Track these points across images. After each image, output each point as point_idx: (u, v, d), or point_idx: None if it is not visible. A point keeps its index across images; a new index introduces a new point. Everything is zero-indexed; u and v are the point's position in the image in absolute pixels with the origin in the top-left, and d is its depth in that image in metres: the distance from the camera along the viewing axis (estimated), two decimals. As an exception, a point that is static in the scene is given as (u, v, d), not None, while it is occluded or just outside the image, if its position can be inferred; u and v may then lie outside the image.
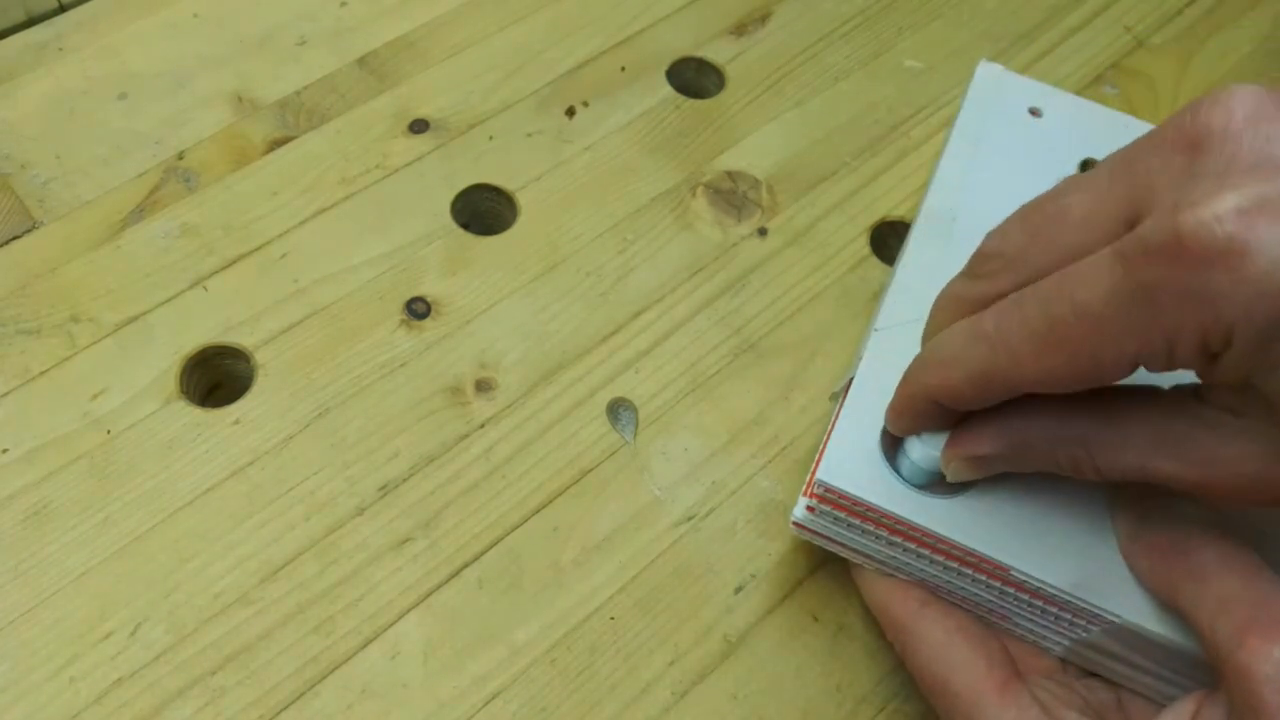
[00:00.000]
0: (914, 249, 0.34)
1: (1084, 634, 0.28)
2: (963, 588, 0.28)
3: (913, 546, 0.28)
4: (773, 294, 0.39)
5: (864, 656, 0.32)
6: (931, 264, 0.33)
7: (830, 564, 0.33)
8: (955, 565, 0.28)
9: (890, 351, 0.31)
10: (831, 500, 0.28)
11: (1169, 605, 0.26)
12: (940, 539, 0.27)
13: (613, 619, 0.32)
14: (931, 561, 0.28)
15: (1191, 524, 0.26)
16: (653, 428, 0.35)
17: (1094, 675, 0.29)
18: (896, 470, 0.28)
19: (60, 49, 0.44)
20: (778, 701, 0.31)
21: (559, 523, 0.33)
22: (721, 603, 0.32)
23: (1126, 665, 0.28)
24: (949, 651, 0.28)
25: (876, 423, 0.29)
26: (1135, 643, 0.27)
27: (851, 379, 0.31)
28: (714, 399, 0.36)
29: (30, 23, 0.44)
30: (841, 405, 0.30)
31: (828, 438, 0.30)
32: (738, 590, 0.33)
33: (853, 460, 0.28)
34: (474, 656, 0.31)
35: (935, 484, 0.28)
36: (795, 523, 0.30)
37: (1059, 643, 0.28)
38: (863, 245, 0.40)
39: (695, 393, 0.36)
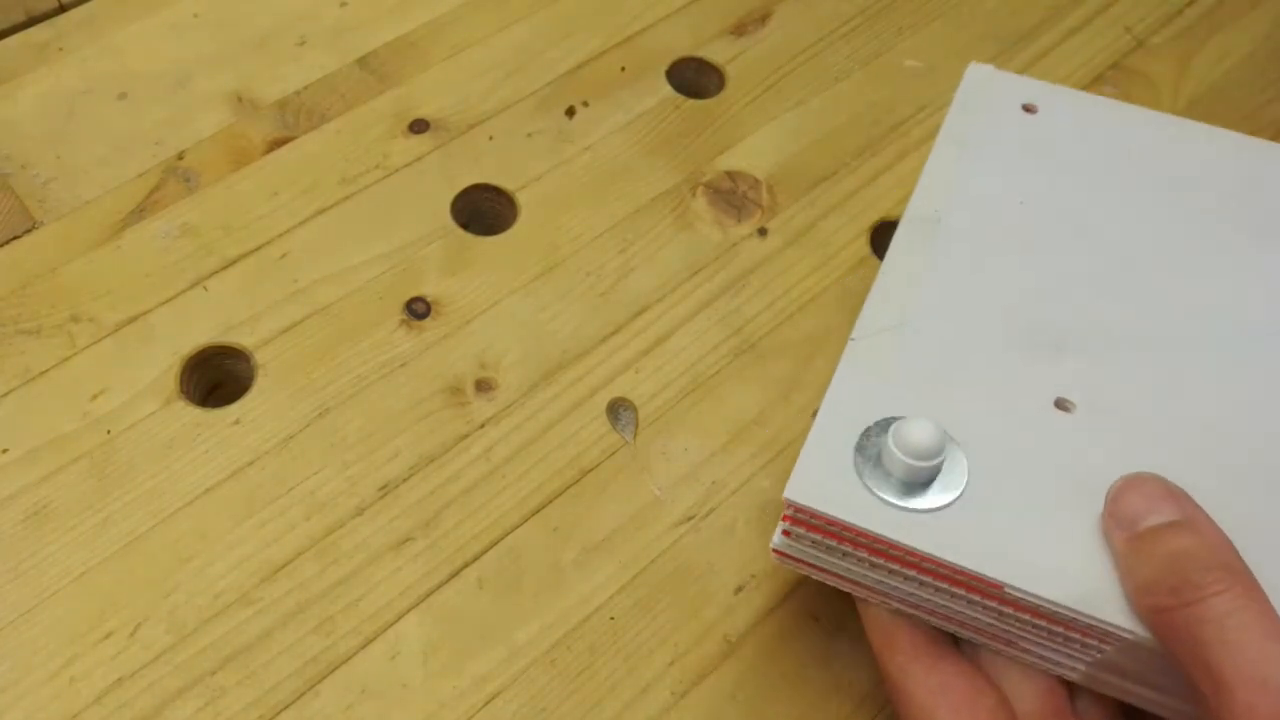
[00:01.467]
0: (894, 255, 0.32)
1: (1097, 655, 0.25)
2: (959, 611, 0.26)
3: (896, 567, 0.26)
4: (773, 294, 0.39)
5: (864, 657, 0.32)
6: (912, 270, 0.31)
7: (830, 564, 0.33)
8: (945, 586, 0.25)
9: (866, 362, 0.29)
10: (804, 521, 0.26)
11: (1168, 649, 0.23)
12: (923, 556, 0.25)
13: (613, 619, 0.32)
14: (920, 583, 0.26)
15: (1191, 562, 0.23)
16: (653, 428, 0.35)
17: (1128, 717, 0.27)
18: (873, 487, 0.26)
19: (60, 49, 0.44)
20: (778, 701, 0.31)
21: (559, 523, 0.33)
22: (721, 603, 0.32)
23: (1150, 688, 0.25)
24: (933, 715, 0.26)
25: (851, 435, 0.27)
26: (1154, 661, 0.24)
27: None
28: (714, 399, 0.36)
29: (30, 23, 0.44)
30: None
31: None
32: (738, 590, 0.33)
33: (824, 476, 0.26)
34: (474, 657, 0.31)
35: (916, 497, 0.26)
36: (774, 549, 0.28)
37: (1075, 668, 0.26)
38: (863, 245, 0.40)
39: (695, 393, 0.36)
